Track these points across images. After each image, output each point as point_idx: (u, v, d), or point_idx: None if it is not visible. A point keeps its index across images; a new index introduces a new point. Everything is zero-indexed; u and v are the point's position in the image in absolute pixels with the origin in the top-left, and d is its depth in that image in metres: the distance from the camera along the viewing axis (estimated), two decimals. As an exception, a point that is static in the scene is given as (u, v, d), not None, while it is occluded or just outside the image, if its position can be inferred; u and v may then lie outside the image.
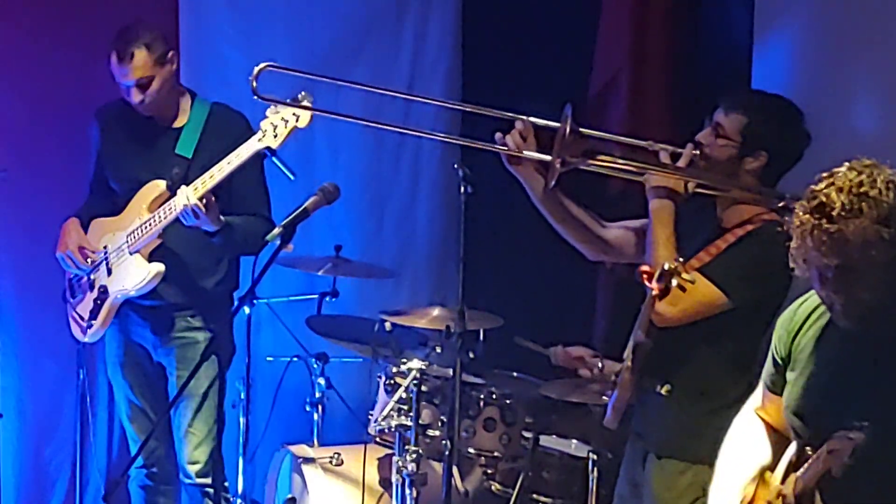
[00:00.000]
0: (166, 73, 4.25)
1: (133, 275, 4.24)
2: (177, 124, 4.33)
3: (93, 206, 4.46)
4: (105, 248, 4.33)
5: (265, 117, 3.96)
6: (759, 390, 2.95)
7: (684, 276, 3.04)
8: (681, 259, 3.13)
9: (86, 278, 4.39)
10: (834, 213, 2.48)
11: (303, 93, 3.82)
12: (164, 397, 4.42)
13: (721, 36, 4.90)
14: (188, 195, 4.04)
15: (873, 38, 3.96)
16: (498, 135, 3.55)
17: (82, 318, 4.39)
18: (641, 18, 5.10)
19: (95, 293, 4.34)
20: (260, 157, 4.07)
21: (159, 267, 4.21)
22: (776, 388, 2.85)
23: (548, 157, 3.43)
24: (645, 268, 3.15)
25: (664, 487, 3.44)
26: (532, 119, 3.51)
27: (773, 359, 2.86)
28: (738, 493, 2.83)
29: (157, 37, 4.26)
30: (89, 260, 4.33)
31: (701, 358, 3.39)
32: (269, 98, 3.67)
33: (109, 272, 4.31)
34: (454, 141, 3.58)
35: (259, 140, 3.98)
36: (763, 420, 2.95)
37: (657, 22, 5.08)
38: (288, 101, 3.78)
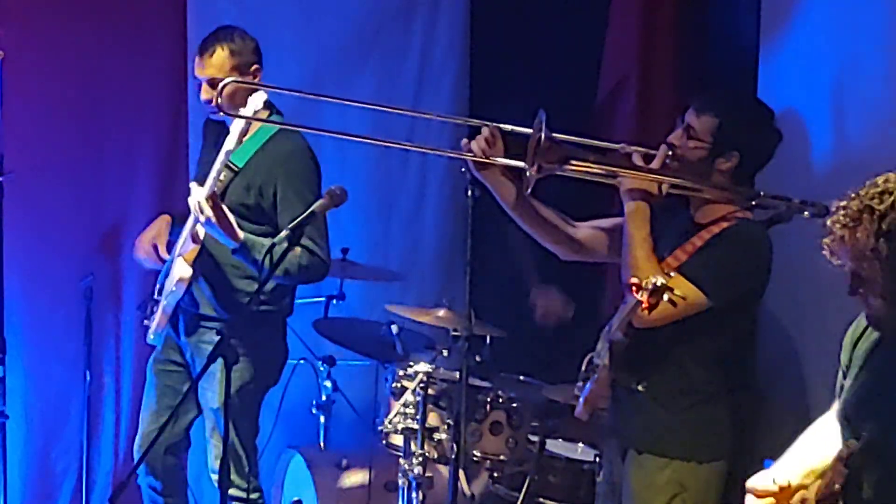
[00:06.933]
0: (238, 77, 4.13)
1: (172, 277, 4.17)
2: (245, 137, 4.17)
3: None
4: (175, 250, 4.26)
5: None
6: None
7: (676, 292, 3.05)
8: (670, 274, 3.14)
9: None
10: (841, 219, 2.57)
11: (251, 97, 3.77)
12: (184, 407, 4.32)
13: (728, 41, 4.90)
14: (198, 196, 3.93)
15: (881, 42, 3.96)
16: (464, 141, 3.57)
17: (149, 318, 4.32)
18: (649, 24, 5.10)
19: (160, 294, 4.28)
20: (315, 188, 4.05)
21: (182, 272, 4.12)
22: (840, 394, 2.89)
23: (523, 165, 3.44)
24: (634, 280, 3.15)
25: (643, 484, 3.45)
26: (506, 126, 3.52)
27: (840, 367, 2.90)
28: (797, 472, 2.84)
29: (248, 47, 4.20)
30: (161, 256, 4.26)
31: (678, 355, 3.41)
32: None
33: (169, 274, 4.24)
34: (454, 155, 3.59)
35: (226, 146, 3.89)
36: None
37: (664, 28, 5.08)
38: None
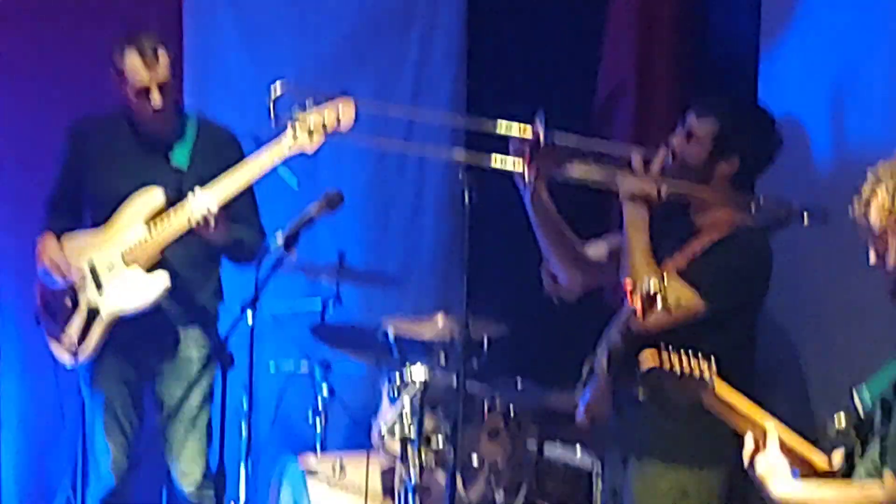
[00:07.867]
0: (174, 80, 4.15)
1: (135, 290, 4.08)
2: (167, 136, 4.18)
3: (61, 223, 4.26)
4: (91, 263, 4.13)
5: (294, 119, 3.83)
6: None
7: (670, 295, 3.03)
8: (664, 277, 3.12)
9: (68, 298, 4.16)
10: (875, 176, 2.65)
11: (343, 98, 3.75)
12: (146, 417, 4.31)
13: (727, 44, 4.89)
14: (209, 203, 3.91)
15: (882, 45, 3.94)
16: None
17: (69, 341, 4.16)
18: (647, 27, 5.08)
19: (84, 313, 4.13)
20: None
21: (166, 281, 4.07)
22: None
23: (521, 168, 3.41)
24: (629, 283, 3.13)
25: (644, 490, 3.45)
26: (504, 128, 3.48)
27: None
28: None
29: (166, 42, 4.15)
30: (72, 273, 4.13)
31: None
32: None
33: (99, 289, 4.12)
34: (460, 159, 3.58)
35: (291, 144, 3.86)
36: None
37: (663, 30, 5.06)
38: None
